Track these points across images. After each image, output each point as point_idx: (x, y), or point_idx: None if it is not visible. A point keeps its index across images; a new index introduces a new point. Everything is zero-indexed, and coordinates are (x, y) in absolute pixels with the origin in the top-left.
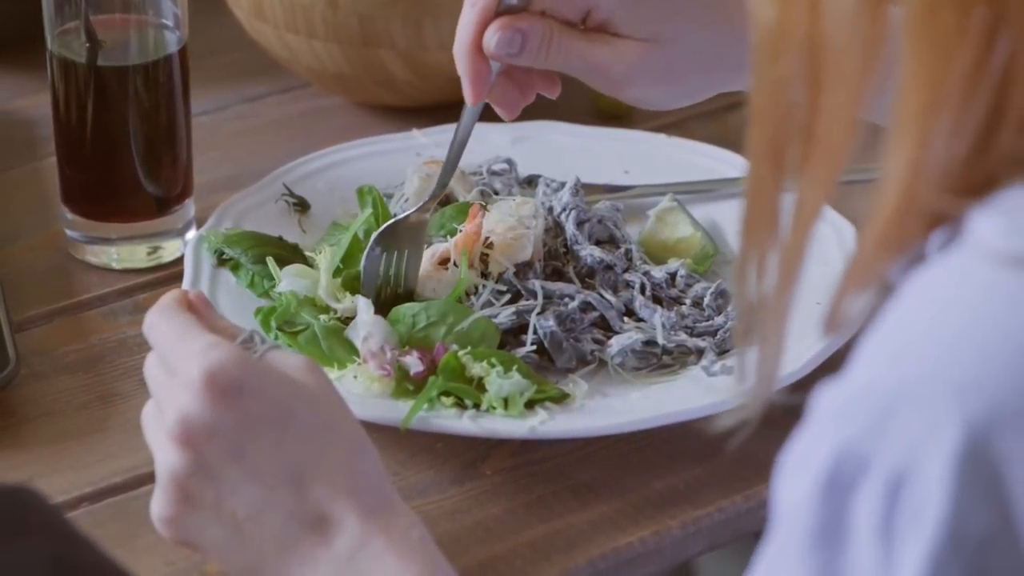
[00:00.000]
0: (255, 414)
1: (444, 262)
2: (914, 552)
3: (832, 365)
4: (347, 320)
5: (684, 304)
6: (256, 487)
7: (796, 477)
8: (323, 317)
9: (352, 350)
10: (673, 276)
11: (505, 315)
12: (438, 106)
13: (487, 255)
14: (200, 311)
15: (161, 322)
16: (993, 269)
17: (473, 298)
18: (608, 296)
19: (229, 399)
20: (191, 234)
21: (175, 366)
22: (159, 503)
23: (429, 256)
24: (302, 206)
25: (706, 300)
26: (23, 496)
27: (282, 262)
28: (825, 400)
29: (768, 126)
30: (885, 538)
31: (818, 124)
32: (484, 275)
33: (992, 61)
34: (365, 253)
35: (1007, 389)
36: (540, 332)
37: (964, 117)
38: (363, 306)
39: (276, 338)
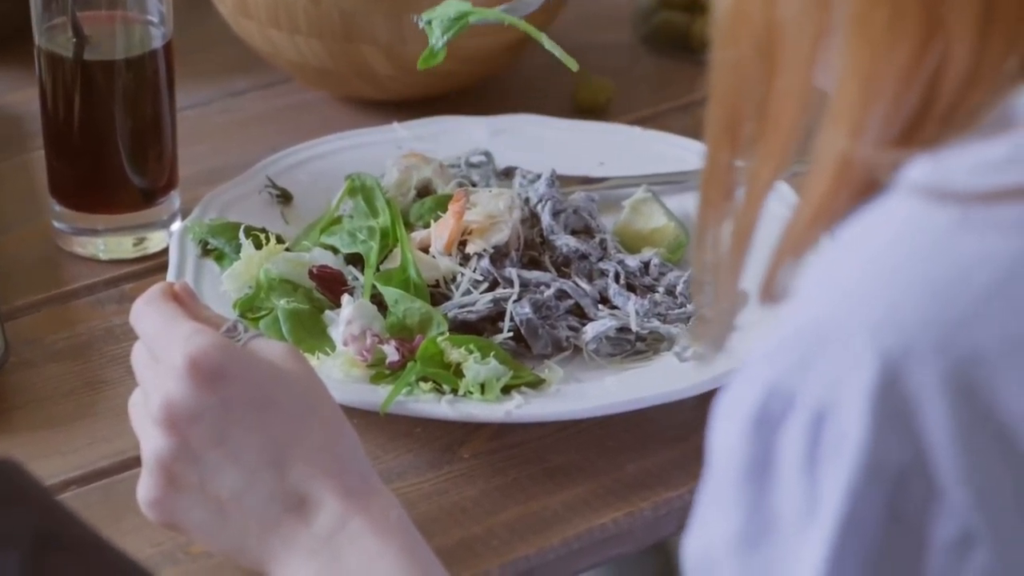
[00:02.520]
0: (237, 398)
1: (425, 249)
2: (835, 482)
3: None
4: (325, 306)
5: (657, 292)
6: (238, 469)
7: (729, 418)
8: (283, 301)
9: (323, 336)
10: (647, 265)
11: (482, 303)
12: (418, 100)
13: (465, 241)
14: (185, 302)
15: (147, 312)
16: (913, 206)
17: (452, 286)
18: (583, 284)
19: (212, 384)
20: (176, 225)
21: (160, 353)
22: (145, 486)
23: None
24: (285, 197)
25: (679, 288)
26: (6, 468)
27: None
28: (757, 347)
29: (726, 104)
30: (809, 470)
31: (771, 102)
32: (463, 262)
33: (925, 60)
34: None
35: (919, 326)
36: (517, 319)
37: (895, 110)
38: (347, 299)
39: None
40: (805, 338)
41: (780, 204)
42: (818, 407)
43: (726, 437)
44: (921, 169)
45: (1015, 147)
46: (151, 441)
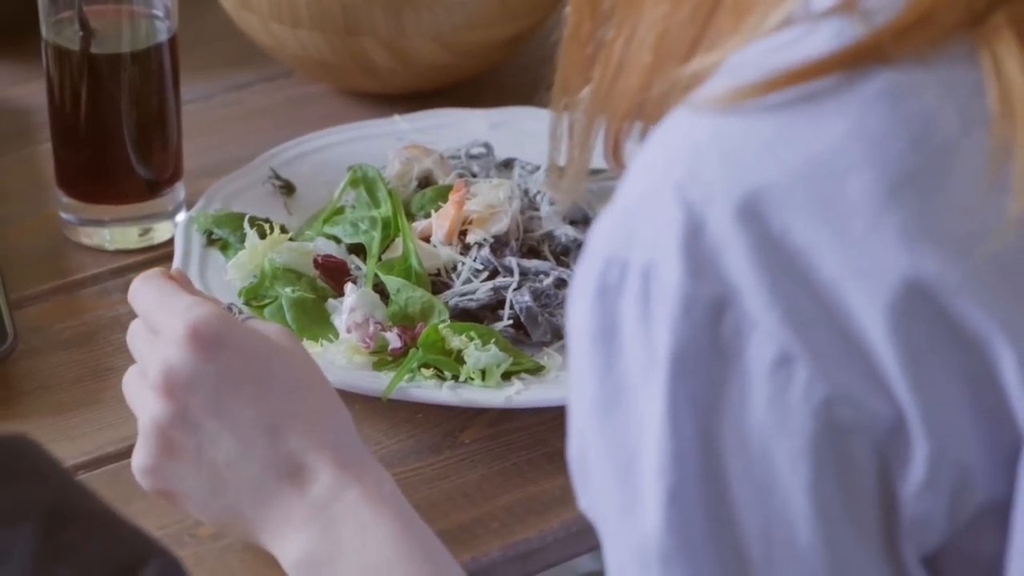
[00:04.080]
0: (236, 367)
1: (426, 238)
2: (662, 329)
3: None
4: (328, 295)
5: None
6: (234, 438)
7: (578, 295)
8: (288, 289)
9: (326, 324)
10: None
11: (483, 291)
12: (419, 93)
13: (466, 231)
14: (181, 283)
15: (145, 287)
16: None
17: (453, 275)
18: None
19: (211, 351)
20: (181, 216)
21: (159, 325)
22: (141, 454)
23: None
24: (288, 189)
25: None
26: (21, 444)
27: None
28: (596, 225)
29: None
30: (644, 325)
31: None
32: (463, 252)
33: None
34: None
35: (714, 175)
36: (516, 307)
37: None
38: (351, 287)
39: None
40: (629, 209)
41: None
42: (644, 266)
43: (577, 314)
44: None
45: (759, 62)
46: (149, 408)
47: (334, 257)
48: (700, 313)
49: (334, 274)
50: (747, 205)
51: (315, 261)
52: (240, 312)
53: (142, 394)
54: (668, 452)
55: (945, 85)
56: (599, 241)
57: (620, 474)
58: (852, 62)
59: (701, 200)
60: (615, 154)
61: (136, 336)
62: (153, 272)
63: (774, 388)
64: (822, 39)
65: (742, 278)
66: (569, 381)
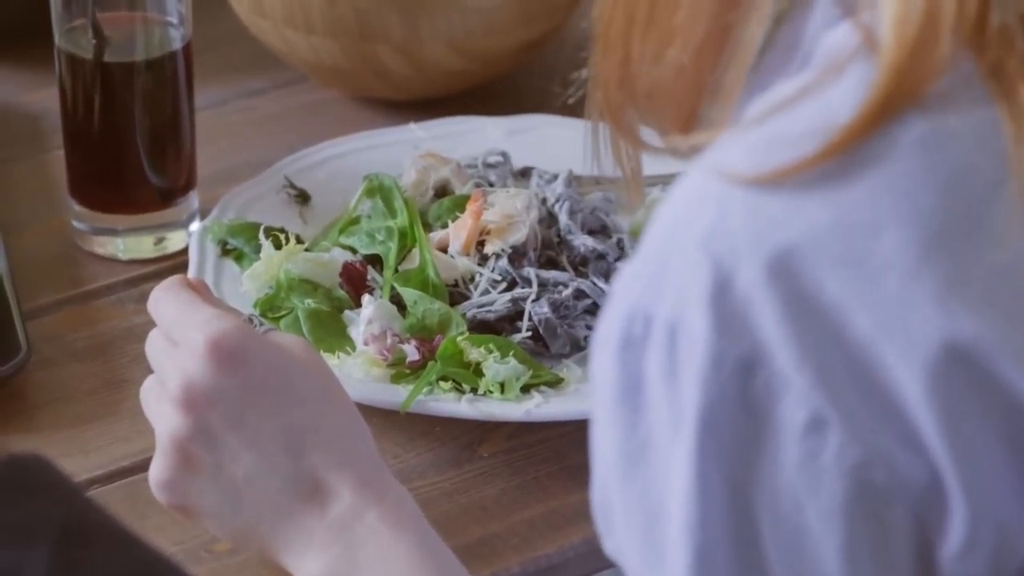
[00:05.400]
0: (257, 381)
1: (444, 249)
2: (690, 386)
3: None
4: (344, 306)
5: None
6: (254, 453)
7: (602, 347)
8: (304, 301)
9: (343, 336)
10: None
11: (501, 302)
12: (434, 99)
13: (483, 241)
14: (202, 293)
15: (166, 298)
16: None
17: (471, 286)
18: (600, 284)
19: (233, 365)
20: (195, 225)
21: (180, 337)
22: (159, 467)
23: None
24: (303, 197)
25: None
26: (35, 463)
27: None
28: (620, 277)
29: None
30: (671, 381)
31: None
32: (481, 262)
33: None
34: None
35: (741, 228)
36: (535, 319)
37: None
38: (368, 299)
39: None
40: (652, 261)
41: None
42: (671, 320)
43: (601, 366)
44: (714, 150)
45: (786, 121)
46: (168, 421)
47: (359, 265)
48: (730, 370)
49: (356, 282)
50: (778, 261)
51: (345, 264)
52: (261, 324)
53: (161, 406)
54: (695, 511)
55: (976, 132)
56: (622, 293)
57: (645, 529)
58: (885, 114)
59: (729, 255)
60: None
61: (155, 347)
62: (173, 281)
63: (806, 450)
64: (848, 90)
65: (773, 336)
66: (592, 427)
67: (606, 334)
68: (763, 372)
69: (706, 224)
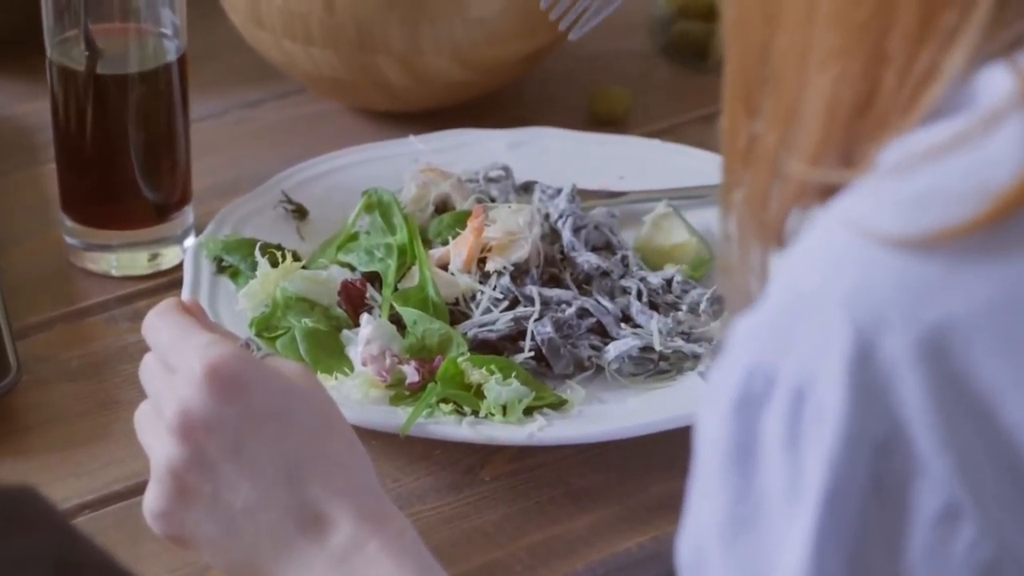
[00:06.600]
0: (255, 409)
1: (444, 266)
2: (817, 458)
3: None
4: (342, 325)
5: (680, 310)
6: (252, 483)
7: (712, 404)
8: (301, 320)
9: (341, 356)
10: (669, 282)
11: (503, 321)
12: (435, 111)
13: (485, 258)
14: (197, 317)
15: (161, 323)
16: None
17: (472, 304)
18: (605, 302)
19: (231, 393)
20: (190, 241)
21: (175, 363)
22: (154, 497)
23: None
24: (300, 213)
25: (702, 306)
26: (25, 496)
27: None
28: (737, 330)
29: (735, 64)
30: (792, 448)
31: (773, 62)
32: (483, 280)
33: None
34: None
35: (890, 295)
36: (538, 338)
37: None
38: (367, 318)
39: (258, 346)
40: (781, 316)
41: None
42: (797, 384)
43: (710, 423)
44: (853, 200)
45: (938, 175)
46: (163, 449)
47: (358, 284)
48: (864, 450)
49: (355, 301)
50: (931, 337)
51: (343, 283)
52: (258, 349)
53: (156, 434)
54: None
55: None
56: (741, 347)
57: None
58: None
59: (875, 321)
60: (776, 235)
61: (150, 372)
62: (168, 304)
63: (936, 540)
64: (1009, 144)
65: (915, 417)
66: (694, 486)
67: (719, 391)
68: (900, 453)
69: (849, 284)
